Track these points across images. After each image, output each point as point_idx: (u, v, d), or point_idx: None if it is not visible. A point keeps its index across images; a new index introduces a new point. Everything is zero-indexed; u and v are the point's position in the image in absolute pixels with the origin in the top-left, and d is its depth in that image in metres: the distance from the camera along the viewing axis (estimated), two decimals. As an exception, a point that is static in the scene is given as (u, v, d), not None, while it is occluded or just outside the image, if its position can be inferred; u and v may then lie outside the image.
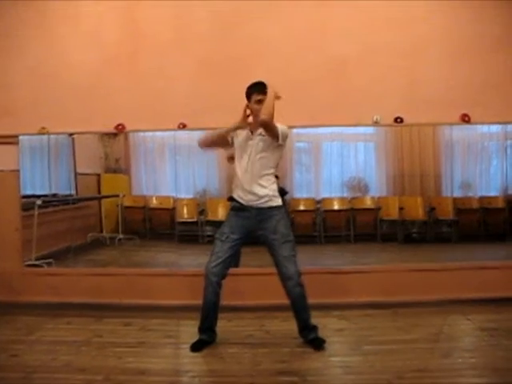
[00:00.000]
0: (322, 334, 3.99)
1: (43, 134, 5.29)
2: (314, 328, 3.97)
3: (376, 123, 5.11)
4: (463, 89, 5.08)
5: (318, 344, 3.88)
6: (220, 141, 4.05)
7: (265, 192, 3.89)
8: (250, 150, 3.93)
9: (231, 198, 4.04)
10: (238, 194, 3.98)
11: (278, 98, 3.87)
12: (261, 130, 3.88)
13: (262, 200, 3.89)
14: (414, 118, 5.10)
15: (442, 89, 5.08)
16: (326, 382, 3.49)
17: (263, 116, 3.75)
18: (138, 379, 3.43)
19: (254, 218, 3.91)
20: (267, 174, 3.93)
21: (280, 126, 3.86)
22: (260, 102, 3.86)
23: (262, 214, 3.90)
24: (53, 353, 3.88)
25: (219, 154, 6.96)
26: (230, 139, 4.04)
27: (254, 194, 3.89)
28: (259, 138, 3.92)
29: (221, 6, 5.15)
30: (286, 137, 3.92)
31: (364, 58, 5.12)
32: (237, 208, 3.99)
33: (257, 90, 3.91)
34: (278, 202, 3.95)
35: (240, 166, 3.96)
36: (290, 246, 3.90)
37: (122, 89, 5.19)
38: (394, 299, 4.94)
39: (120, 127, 5.19)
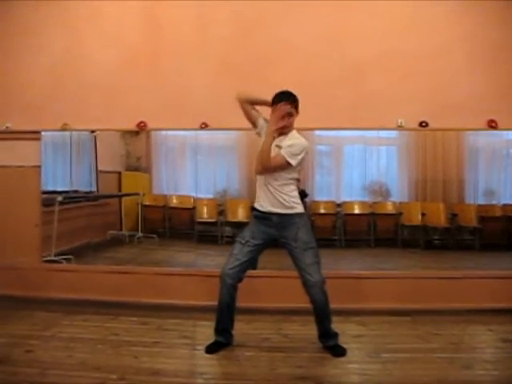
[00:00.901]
0: (340, 339, 3.93)
1: (65, 130, 5.29)
2: (335, 335, 3.91)
3: (400, 127, 5.03)
4: (489, 94, 4.98)
5: (337, 351, 3.82)
6: (248, 107, 3.93)
7: (285, 200, 3.81)
8: (273, 151, 3.82)
9: (253, 208, 3.98)
10: (259, 202, 3.92)
11: (279, 129, 3.80)
12: (278, 142, 3.81)
13: (282, 207, 3.82)
14: (439, 123, 5.00)
15: (466, 93, 4.98)
16: (344, 390, 3.45)
17: (255, 168, 3.81)
18: (153, 380, 3.40)
19: (275, 226, 3.84)
20: (287, 183, 3.83)
21: (290, 149, 3.75)
22: (290, 115, 3.81)
23: (282, 221, 3.83)
24: (68, 350, 3.88)
25: (240, 154, 7.01)
26: (257, 122, 3.95)
27: (275, 201, 3.82)
28: (277, 151, 3.79)
29: (242, 6, 5.12)
30: (301, 155, 3.78)
31: (386, 60, 5.04)
32: (258, 216, 3.93)
33: (286, 101, 3.81)
34: (299, 209, 3.87)
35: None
36: (313, 252, 3.82)
37: (143, 88, 5.19)
38: (413, 306, 4.87)
39: (142, 125, 5.18)
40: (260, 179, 3.90)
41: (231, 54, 5.12)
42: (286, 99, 3.79)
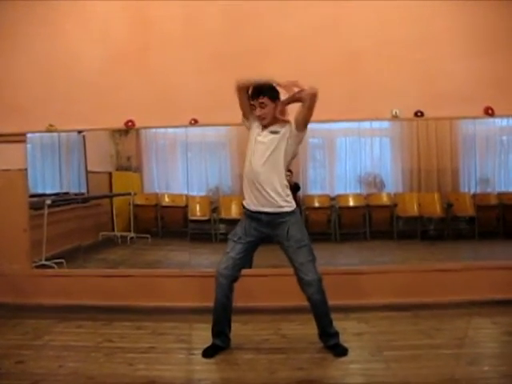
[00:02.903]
0: (341, 338, 3.80)
1: (51, 131, 5.15)
2: (336, 334, 3.78)
3: (395, 117, 4.93)
4: (485, 81, 4.89)
5: (338, 351, 3.69)
6: (246, 96, 3.74)
7: (275, 197, 3.63)
8: (258, 148, 3.68)
9: (243, 206, 3.81)
10: (246, 200, 3.75)
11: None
12: (272, 127, 3.69)
13: (272, 206, 3.64)
14: (434, 112, 4.90)
15: (462, 81, 4.89)
16: (347, 392, 3.34)
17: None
18: (149, 389, 3.29)
19: (266, 225, 3.68)
20: (278, 176, 3.66)
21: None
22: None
23: (272, 220, 3.66)
24: (60, 359, 3.74)
25: (231, 150, 6.92)
26: (249, 114, 3.78)
27: (263, 199, 3.64)
28: (271, 137, 3.66)
29: (232, 0, 5.00)
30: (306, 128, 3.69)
31: (380, 50, 4.95)
32: (248, 214, 3.76)
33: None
34: (290, 206, 3.69)
35: (248, 167, 3.71)
36: (306, 250, 3.66)
37: (131, 85, 5.06)
38: (414, 300, 4.77)
39: (130, 124, 5.05)
40: (248, 172, 3.70)
41: (220, 48, 4.99)
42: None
